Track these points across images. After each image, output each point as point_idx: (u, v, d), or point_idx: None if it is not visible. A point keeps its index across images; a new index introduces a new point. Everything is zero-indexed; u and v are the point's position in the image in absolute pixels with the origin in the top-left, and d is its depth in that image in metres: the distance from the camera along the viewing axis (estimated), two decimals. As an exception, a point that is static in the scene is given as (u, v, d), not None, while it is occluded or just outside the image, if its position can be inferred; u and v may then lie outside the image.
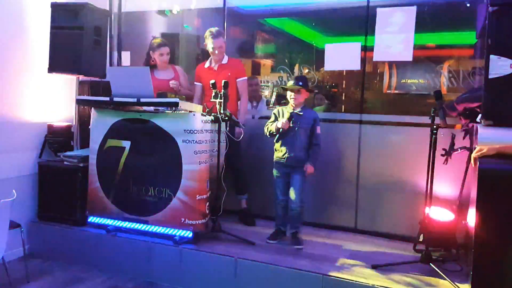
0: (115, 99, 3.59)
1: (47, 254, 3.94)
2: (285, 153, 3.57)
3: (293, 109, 3.57)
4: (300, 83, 3.53)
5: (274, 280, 3.16)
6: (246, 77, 4.19)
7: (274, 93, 4.78)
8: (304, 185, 3.58)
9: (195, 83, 4.28)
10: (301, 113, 3.55)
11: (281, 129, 3.53)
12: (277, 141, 3.65)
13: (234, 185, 4.15)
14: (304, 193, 3.59)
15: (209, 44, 4.02)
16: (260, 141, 4.31)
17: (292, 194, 3.55)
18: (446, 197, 3.60)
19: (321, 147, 3.60)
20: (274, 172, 3.70)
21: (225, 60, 4.12)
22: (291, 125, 3.50)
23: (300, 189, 3.54)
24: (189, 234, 3.53)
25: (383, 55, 3.88)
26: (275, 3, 4.87)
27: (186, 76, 4.40)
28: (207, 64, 4.20)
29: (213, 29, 4.02)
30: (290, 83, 3.59)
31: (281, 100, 4.88)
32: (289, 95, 3.57)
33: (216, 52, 4.02)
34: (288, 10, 4.81)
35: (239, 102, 4.17)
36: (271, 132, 3.62)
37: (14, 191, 3.00)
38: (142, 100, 3.49)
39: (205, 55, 5.00)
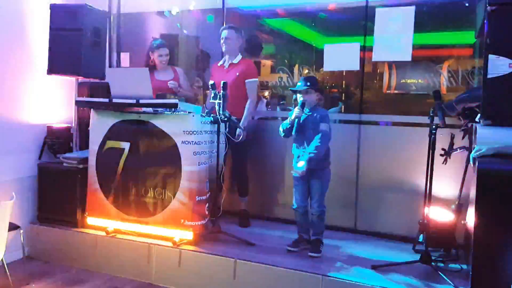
0: (114, 100, 3.59)
1: (46, 256, 3.93)
2: (300, 156, 3.40)
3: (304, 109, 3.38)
4: (308, 84, 3.39)
5: (274, 281, 3.15)
6: (256, 79, 4.09)
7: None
8: (323, 190, 3.42)
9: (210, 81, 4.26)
10: (310, 114, 3.39)
11: (296, 120, 3.36)
12: (293, 147, 3.50)
13: (236, 186, 4.14)
14: (324, 197, 3.42)
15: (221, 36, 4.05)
16: (259, 142, 4.31)
17: (312, 199, 3.44)
18: (446, 197, 3.60)
19: (323, 145, 3.29)
20: (294, 179, 3.50)
21: (237, 59, 4.09)
22: (304, 112, 3.33)
23: (318, 195, 3.39)
24: (188, 235, 3.53)
25: (382, 55, 3.88)
26: (274, 4, 4.87)
27: (186, 77, 4.40)
28: (220, 62, 4.19)
29: (230, 24, 4.10)
30: (299, 84, 3.46)
31: (280, 100, 4.88)
32: (298, 96, 3.42)
33: (222, 42, 4.04)
34: (287, 10, 4.80)
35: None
36: (285, 126, 3.44)
37: (13, 193, 3.01)
38: (141, 101, 3.49)
39: (204, 56, 5.01)
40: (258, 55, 5.03)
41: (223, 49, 4.08)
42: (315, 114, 3.40)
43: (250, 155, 4.24)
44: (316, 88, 3.44)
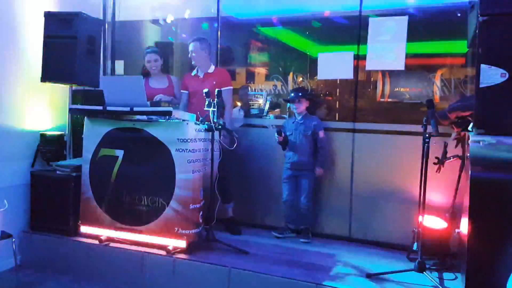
0: (108, 108, 3.58)
1: (39, 264, 3.89)
2: (290, 158, 3.98)
3: (295, 118, 4.00)
4: (300, 94, 3.96)
5: (268, 289, 3.14)
6: (231, 87, 4.18)
7: (268, 102, 4.79)
8: (311, 187, 3.94)
9: (181, 91, 4.29)
10: (301, 122, 3.96)
11: (278, 142, 3.96)
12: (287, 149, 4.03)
13: (220, 193, 4.11)
14: (312, 193, 3.94)
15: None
16: (247, 149, 4.32)
17: (301, 196, 3.94)
18: (439, 206, 3.61)
19: (327, 149, 3.98)
20: (283, 174, 4.04)
21: (211, 69, 4.18)
22: (284, 135, 3.91)
23: (307, 192, 3.92)
24: (182, 243, 3.51)
25: (375, 64, 3.92)
26: (268, 12, 4.89)
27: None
28: (194, 72, 4.25)
29: (196, 36, 4.17)
30: (292, 95, 4.01)
31: (274, 108, 4.88)
32: (292, 106, 4.01)
33: (189, 56, 4.15)
34: (281, 19, 4.83)
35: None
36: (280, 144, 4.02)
37: (5, 201, 2.99)
38: (135, 109, 3.49)
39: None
40: (245, 64, 5.08)
41: (195, 64, 4.19)
42: (307, 122, 3.94)
43: (243, 163, 4.24)
44: (307, 97, 3.98)
